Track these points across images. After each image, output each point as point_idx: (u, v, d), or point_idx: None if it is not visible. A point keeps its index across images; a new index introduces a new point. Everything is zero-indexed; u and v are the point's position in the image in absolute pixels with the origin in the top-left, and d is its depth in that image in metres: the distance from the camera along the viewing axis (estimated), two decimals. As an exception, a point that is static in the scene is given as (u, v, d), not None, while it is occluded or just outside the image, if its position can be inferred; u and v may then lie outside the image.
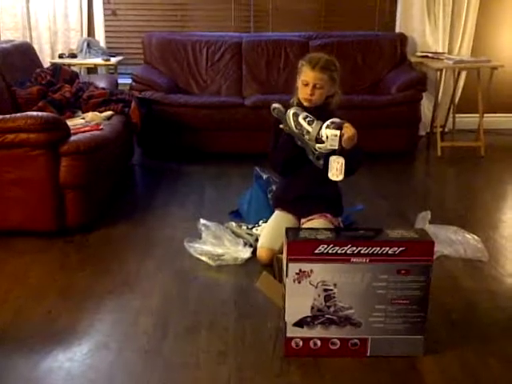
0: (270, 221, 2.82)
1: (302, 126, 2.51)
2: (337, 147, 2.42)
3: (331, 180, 2.50)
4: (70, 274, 2.62)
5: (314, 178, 2.67)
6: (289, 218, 2.78)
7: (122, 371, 1.95)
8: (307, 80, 2.62)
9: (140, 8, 5.00)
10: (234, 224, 2.98)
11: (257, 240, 2.79)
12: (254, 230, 2.92)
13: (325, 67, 2.61)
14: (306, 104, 2.65)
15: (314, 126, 2.48)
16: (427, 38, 4.97)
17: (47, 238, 2.94)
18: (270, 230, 2.74)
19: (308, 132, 2.49)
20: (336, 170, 2.47)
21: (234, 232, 2.91)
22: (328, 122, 2.46)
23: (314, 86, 2.61)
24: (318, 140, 2.47)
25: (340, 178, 2.48)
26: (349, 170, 2.50)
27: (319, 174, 2.56)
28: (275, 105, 2.59)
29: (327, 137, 2.43)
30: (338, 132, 2.41)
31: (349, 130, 2.43)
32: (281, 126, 2.59)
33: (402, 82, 4.48)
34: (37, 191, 2.88)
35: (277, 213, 2.84)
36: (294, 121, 2.53)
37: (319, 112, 2.60)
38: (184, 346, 2.08)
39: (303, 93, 2.64)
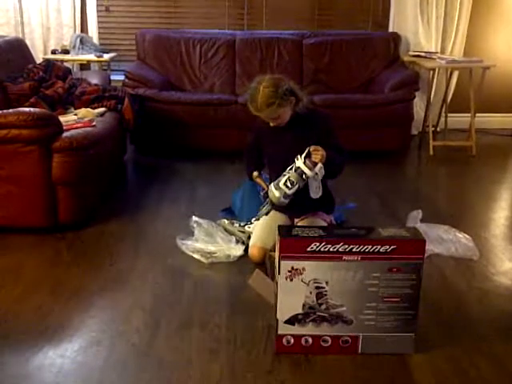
0: (262, 219, 2.83)
1: (290, 184, 2.49)
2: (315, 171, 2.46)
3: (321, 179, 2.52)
4: (62, 271, 2.62)
5: None
6: (281, 217, 2.79)
7: (113, 368, 1.95)
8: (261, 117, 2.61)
9: (133, 4, 4.99)
10: (226, 221, 2.98)
11: (249, 237, 2.79)
12: (246, 227, 2.92)
13: (266, 105, 2.49)
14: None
15: (292, 182, 2.48)
16: (420, 37, 4.98)
17: (39, 234, 2.93)
18: (262, 228, 2.75)
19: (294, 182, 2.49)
20: (315, 187, 2.50)
21: (226, 229, 2.91)
22: (300, 165, 2.45)
23: (272, 118, 2.59)
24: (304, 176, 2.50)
25: (320, 194, 2.52)
26: (330, 173, 2.53)
27: None
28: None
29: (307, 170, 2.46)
30: (316, 168, 2.43)
31: (316, 155, 2.42)
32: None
33: (394, 82, 4.49)
34: (29, 187, 2.87)
35: (269, 211, 2.84)
36: (286, 188, 2.49)
37: (295, 123, 2.61)
38: (176, 344, 2.09)
39: None
